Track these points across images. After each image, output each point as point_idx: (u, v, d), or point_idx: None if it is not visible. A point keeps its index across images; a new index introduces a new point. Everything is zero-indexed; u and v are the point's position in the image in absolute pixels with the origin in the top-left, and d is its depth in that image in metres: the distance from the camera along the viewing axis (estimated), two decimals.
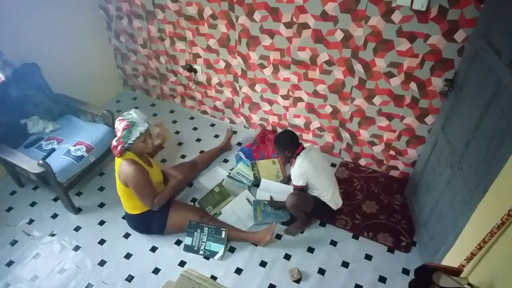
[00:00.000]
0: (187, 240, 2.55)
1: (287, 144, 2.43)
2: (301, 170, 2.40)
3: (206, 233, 2.54)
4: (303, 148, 2.44)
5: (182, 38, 3.19)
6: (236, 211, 2.75)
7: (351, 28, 2.41)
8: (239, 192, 2.88)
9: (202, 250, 2.51)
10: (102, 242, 2.63)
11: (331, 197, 2.50)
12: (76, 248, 2.60)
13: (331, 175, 2.60)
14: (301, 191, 2.50)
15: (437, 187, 2.26)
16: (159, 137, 2.58)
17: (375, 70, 2.51)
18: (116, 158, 2.37)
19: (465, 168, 1.92)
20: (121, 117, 2.31)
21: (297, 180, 2.44)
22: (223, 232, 2.52)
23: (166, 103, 3.86)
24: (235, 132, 3.45)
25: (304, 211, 2.51)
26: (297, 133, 2.74)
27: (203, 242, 2.52)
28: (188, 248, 2.53)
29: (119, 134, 2.26)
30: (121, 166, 2.29)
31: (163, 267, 2.47)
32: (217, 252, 2.50)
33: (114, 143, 2.29)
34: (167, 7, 3.05)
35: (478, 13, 1.98)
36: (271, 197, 2.72)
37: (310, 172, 2.41)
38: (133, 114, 2.31)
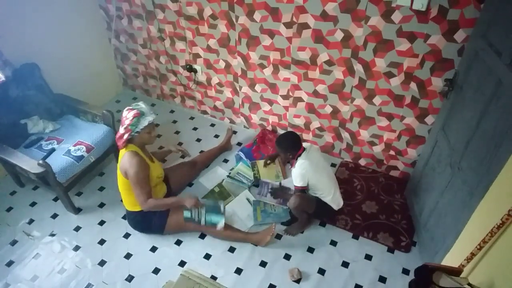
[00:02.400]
0: (186, 213, 2.47)
1: (289, 146, 2.43)
2: (302, 171, 2.40)
3: (204, 210, 2.48)
4: (304, 149, 2.44)
5: (182, 38, 3.19)
6: (236, 211, 2.75)
7: (351, 28, 2.41)
8: (239, 192, 2.88)
9: (203, 221, 2.46)
10: (102, 242, 2.63)
11: (332, 197, 2.51)
12: (76, 248, 2.60)
13: (332, 175, 2.61)
14: (302, 192, 2.50)
15: (437, 187, 2.26)
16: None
17: (375, 70, 2.51)
18: (120, 152, 2.39)
19: (465, 168, 1.92)
20: (130, 107, 2.33)
21: (298, 181, 2.44)
22: (221, 206, 2.46)
23: (166, 103, 3.86)
24: (235, 132, 3.45)
25: (306, 212, 2.51)
26: (297, 133, 2.74)
27: (202, 215, 2.47)
28: (189, 220, 2.48)
29: (127, 122, 2.27)
30: (124, 157, 2.33)
31: (163, 267, 2.47)
32: (217, 223, 2.44)
33: (121, 131, 2.30)
34: (167, 7, 3.05)
35: (478, 13, 1.98)
36: (280, 183, 2.72)
37: (311, 173, 2.41)
38: (141, 104, 2.36)
